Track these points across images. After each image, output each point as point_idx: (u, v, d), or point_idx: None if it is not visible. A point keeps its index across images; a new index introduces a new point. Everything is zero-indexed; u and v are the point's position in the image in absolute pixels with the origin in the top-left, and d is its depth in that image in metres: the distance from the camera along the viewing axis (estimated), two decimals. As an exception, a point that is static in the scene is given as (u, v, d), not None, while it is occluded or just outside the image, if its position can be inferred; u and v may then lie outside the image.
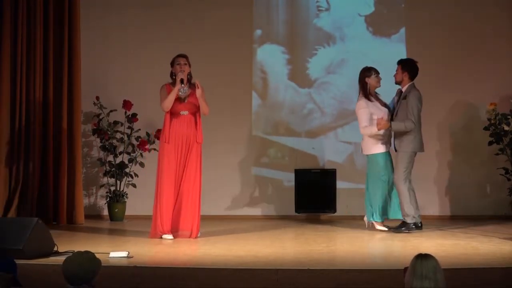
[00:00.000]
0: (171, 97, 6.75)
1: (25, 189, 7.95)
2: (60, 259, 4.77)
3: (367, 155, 7.43)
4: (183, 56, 6.94)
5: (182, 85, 6.81)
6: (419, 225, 7.18)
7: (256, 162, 8.90)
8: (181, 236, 6.75)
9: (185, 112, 6.84)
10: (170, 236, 6.74)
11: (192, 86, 6.90)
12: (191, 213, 6.77)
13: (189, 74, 6.93)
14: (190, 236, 6.74)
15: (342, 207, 8.67)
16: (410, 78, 7.26)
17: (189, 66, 6.91)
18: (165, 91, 6.86)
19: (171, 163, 6.76)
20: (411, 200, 7.13)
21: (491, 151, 8.45)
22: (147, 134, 8.56)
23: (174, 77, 6.91)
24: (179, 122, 6.83)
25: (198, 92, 6.75)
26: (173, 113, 6.83)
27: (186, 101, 6.85)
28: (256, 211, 8.78)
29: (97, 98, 8.52)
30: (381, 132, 7.25)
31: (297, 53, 8.95)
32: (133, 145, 8.56)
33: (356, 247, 6.34)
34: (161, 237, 6.73)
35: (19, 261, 4.38)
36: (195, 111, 6.88)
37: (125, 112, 8.54)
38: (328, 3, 8.94)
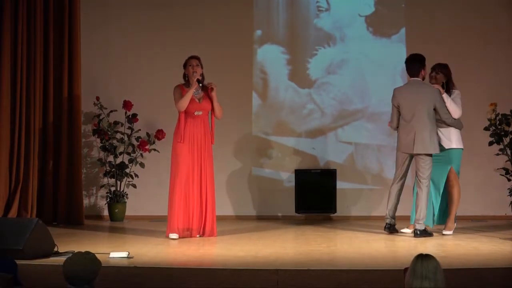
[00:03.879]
0: (187, 98, 6.82)
1: (25, 189, 7.94)
2: (61, 259, 4.78)
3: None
4: (195, 57, 7.00)
5: (199, 85, 6.89)
6: (387, 227, 7.06)
7: (256, 163, 8.90)
8: (205, 235, 6.87)
9: (200, 113, 6.93)
10: (175, 235, 6.75)
11: (204, 87, 6.98)
12: (211, 213, 6.92)
13: (202, 75, 6.99)
14: (210, 235, 6.86)
15: (342, 207, 8.67)
16: (408, 74, 7.16)
17: (202, 67, 6.97)
18: (179, 91, 6.93)
19: (184, 163, 6.84)
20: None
21: (491, 151, 8.44)
22: (147, 134, 8.56)
23: (186, 78, 6.96)
24: (193, 122, 6.90)
25: (214, 94, 6.89)
26: (187, 113, 6.90)
27: (200, 101, 6.92)
28: (256, 211, 8.78)
29: (97, 98, 8.52)
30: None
31: (297, 54, 8.94)
32: (133, 146, 8.56)
33: (356, 248, 6.34)
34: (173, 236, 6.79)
35: (19, 261, 4.38)
36: (208, 111, 6.99)
37: (125, 113, 8.54)
38: (328, 3, 8.93)
